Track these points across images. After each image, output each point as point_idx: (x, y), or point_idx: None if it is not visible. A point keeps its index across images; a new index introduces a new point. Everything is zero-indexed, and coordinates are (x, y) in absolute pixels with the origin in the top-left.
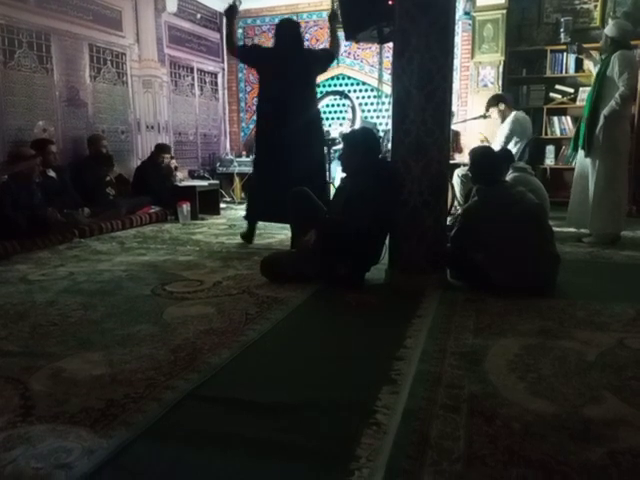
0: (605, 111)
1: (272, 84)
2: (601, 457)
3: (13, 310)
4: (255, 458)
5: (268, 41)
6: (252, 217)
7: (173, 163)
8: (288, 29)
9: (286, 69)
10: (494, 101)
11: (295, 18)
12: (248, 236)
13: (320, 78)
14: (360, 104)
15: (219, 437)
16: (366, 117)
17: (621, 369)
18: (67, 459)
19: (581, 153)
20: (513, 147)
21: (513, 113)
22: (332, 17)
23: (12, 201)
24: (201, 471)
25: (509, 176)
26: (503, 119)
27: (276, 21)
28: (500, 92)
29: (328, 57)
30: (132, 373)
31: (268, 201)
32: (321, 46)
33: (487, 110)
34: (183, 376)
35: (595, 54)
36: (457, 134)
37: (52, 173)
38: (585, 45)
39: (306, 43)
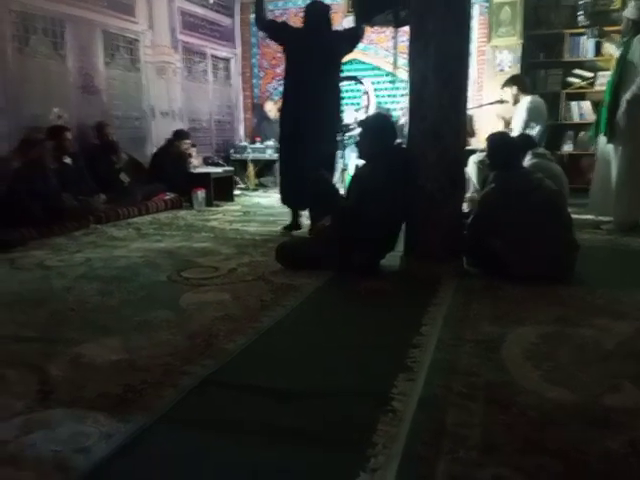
0: (627, 96)
1: (297, 66)
2: (622, 445)
3: (31, 296)
4: (271, 443)
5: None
6: (287, 202)
7: (192, 150)
8: (316, 10)
9: (312, 51)
10: (510, 82)
11: None
12: (292, 224)
13: None
14: (375, 89)
15: (235, 422)
16: (380, 103)
17: None
18: (86, 443)
19: (603, 139)
20: (530, 132)
21: (529, 98)
22: None
23: (27, 188)
24: (217, 455)
25: (528, 162)
26: (515, 102)
27: (289, 5)
28: (519, 74)
29: (353, 37)
30: (149, 359)
31: (292, 187)
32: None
33: (502, 88)
34: (199, 362)
35: (616, 37)
36: (471, 118)
37: (68, 160)
38: (605, 28)
39: None
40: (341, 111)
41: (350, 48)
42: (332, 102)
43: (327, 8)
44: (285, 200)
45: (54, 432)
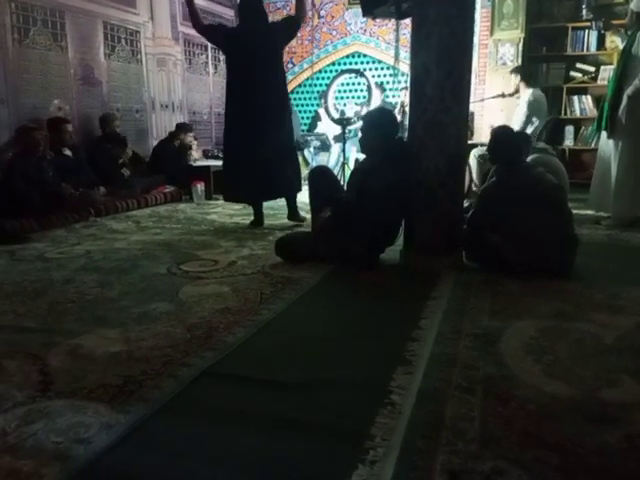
0: (629, 91)
1: (239, 64)
2: (618, 440)
3: (31, 287)
4: (270, 434)
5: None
6: (239, 198)
7: (193, 143)
8: (249, 4)
9: (252, 47)
10: (516, 70)
11: None
12: (257, 220)
13: (335, 56)
14: (376, 83)
15: (234, 414)
16: (387, 96)
17: (639, 352)
18: (86, 434)
19: (604, 134)
20: (530, 127)
21: (530, 91)
22: None
23: (22, 177)
24: (216, 446)
25: (530, 157)
26: (515, 91)
27: None
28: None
29: (291, 25)
30: (149, 350)
31: (251, 181)
32: (337, 23)
33: (510, 73)
34: (199, 354)
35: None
36: (472, 114)
37: (68, 152)
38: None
39: (321, 20)
40: (289, 98)
41: (289, 36)
42: (278, 93)
43: (259, 2)
44: (236, 196)
45: (54, 422)
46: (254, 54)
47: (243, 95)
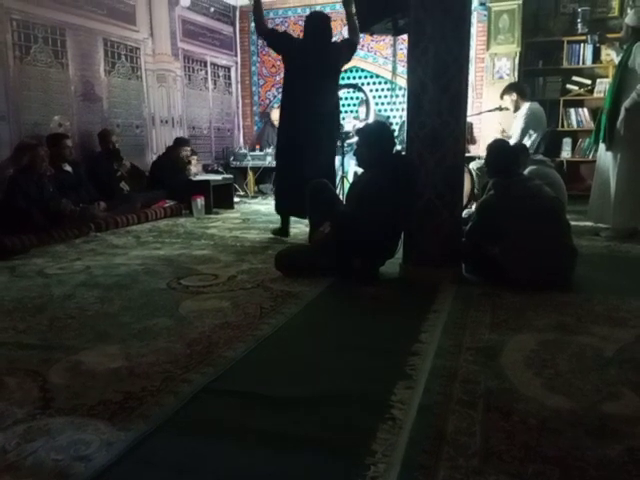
0: (626, 103)
1: (297, 76)
2: (619, 454)
3: (31, 303)
4: (270, 450)
5: None
6: (280, 209)
7: (193, 158)
8: (316, 21)
9: (311, 62)
10: (509, 89)
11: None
12: (282, 230)
13: None
14: (374, 97)
15: (235, 430)
16: (380, 110)
17: None
18: (86, 451)
19: (602, 146)
20: (528, 140)
21: (527, 105)
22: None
23: (23, 194)
24: (217, 463)
25: (528, 169)
26: (515, 109)
27: (289, 14)
28: (518, 81)
29: (350, 46)
30: (149, 366)
31: (288, 193)
32: (335, 38)
33: (501, 97)
34: (199, 369)
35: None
36: (471, 126)
37: (68, 167)
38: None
39: None
40: (339, 121)
41: (348, 58)
42: (330, 113)
43: (327, 19)
44: (280, 207)
45: (54, 440)
46: (312, 68)
47: (294, 106)
